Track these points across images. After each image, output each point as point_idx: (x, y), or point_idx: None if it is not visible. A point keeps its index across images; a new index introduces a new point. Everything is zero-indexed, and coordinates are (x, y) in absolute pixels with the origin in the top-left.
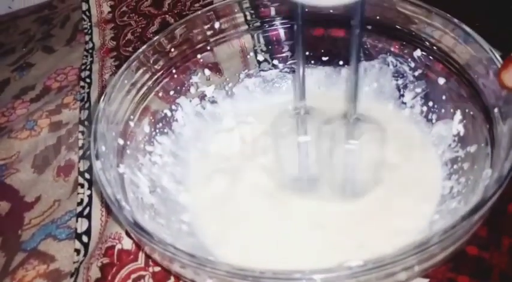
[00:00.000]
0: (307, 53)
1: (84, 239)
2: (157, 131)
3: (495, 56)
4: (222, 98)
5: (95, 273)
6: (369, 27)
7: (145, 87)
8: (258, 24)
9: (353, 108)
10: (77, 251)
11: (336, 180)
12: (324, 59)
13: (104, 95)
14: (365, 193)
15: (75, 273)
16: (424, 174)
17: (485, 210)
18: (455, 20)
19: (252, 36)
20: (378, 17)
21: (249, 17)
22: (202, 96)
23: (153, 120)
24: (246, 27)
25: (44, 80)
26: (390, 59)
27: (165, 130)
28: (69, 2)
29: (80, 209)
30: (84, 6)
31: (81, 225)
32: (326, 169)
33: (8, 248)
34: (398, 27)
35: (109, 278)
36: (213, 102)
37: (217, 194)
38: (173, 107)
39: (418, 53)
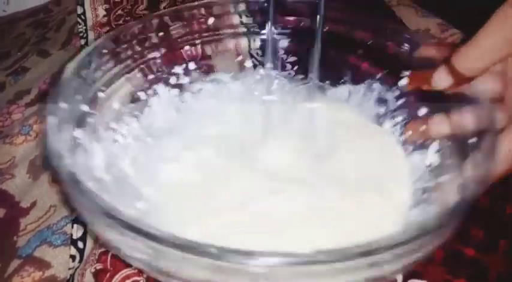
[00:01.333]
0: None
1: (80, 245)
2: (126, 110)
3: (479, 92)
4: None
5: (89, 279)
6: (360, 51)
7: (124, 63)
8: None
9: (315, 72)
10: (73, 257)
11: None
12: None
13: (80, 54)
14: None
15: (70, 279)
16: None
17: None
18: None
19: (249, 40)
20: (369, 42)
21: (244, 20)
22: (182, 88)
23: (125, 98)
24: (244, 29)
25: (40, 85)
26: (376, 85)
27: (136, 113)
28: (64, 5)
29: (75, 214)
30: (79, 10)
31: (77, 231)
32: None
33: (3, 255)
34: (389, 53)
35: None
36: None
37: (181, 185)
38: (149, 91)
39: (403, 81)
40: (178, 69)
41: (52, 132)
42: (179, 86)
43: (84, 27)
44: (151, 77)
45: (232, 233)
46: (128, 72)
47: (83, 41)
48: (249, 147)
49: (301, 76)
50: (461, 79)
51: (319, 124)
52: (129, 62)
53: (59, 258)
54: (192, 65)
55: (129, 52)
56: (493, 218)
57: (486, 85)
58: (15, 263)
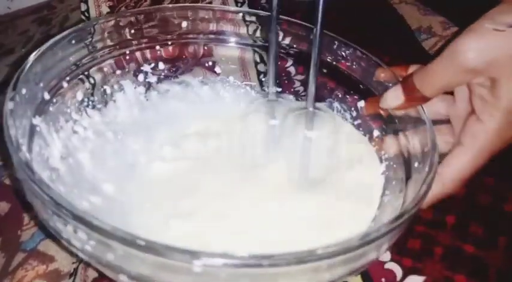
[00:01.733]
0: None
1: None
2: (90, 103)
3: (425, 115)
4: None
5: (92, 273)
6: (325, 70)
7: (93, 54)
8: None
9: (311, 100)
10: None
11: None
12: None
13: (46, 43)
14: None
15: (73, 273)
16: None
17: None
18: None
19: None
20: (334, 62)
21: (251, 32)
22: (149, 87)
23: (89, 90)
24: (250, 41)
25: None
26: (336, 104)
27: (99, 106)
28: (68, 2)
29: None
30: (83, 7)
31: None
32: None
33: (7, 248)
34: (352, 75)
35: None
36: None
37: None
38: (115, 86)
39: (362, 103)
40: (147, 67)
41: (9, 118)
42: (146, 84)
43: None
44: (119, 72)
45: (190, 236)
46: (96, 65)
47: None
48: (214, 151)
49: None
50: (416, 99)
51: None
52: (97, 54)
53: (63, 252)
54: (161, 65)
55: (99, 45)
56: (492, 215)
57: (434, 107)
58: (19, 257)
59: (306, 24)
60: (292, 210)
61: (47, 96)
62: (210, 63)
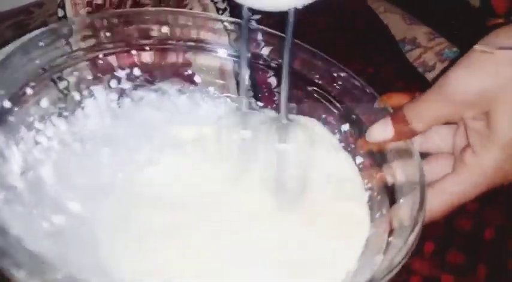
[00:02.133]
0: None
1: None
2: (56, 110)
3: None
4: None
5: None
6: (310, 88)
7: (63, 57)
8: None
9: (284, 112)
10: None
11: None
12: None
13: (9, 45)
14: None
15: None
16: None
17: None
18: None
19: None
20: (320, 82)
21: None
22: (122, 94)
23: (55, 97)
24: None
25: None
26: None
27: (65, 113)
28: (46, 8)
29: None
30: (60, 13)
31: None
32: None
33: None
34: (336, 98)
35: None
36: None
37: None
38: (85, 92)
39: (346, 127)
40: (121, 73)
41: None
42: (119, 91)
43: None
44: (90, 77)
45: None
46: (65, 69)
47: None
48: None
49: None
50: (406, 132)
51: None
52: (68, 57)
53: None
54: (137, 71)
55: (68, 48)
56: (472, 242)
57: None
58: None
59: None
60: (259, 245)
61: (7, 104)
62: (189, 72)
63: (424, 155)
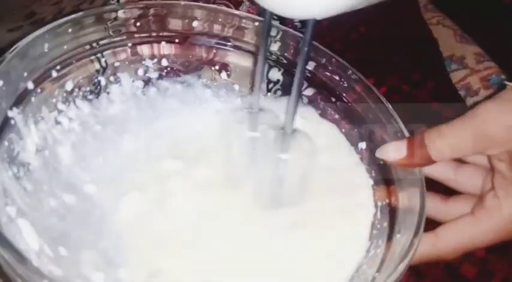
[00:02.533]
0: None
1: None
2: (80, 93)
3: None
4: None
5: None
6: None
7: (90, 45)
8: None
9: (290, 122)
10: None
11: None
12: None
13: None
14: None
15: None
16: None
17: None
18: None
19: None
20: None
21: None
22: (148, 82)
23: (81, 80)
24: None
25: None
26: None
27: (90, 96)
28: None
29: None
30: None
31: None
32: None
33: None
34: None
35: None
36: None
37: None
38: (111, 78)
39: (363, 145)
40: (149, 62)
41: None
42: (146, 79)
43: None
44: (117, 63)
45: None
46: (92, 55)
47: None
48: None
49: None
50: (419, 157)
51: None
52: (95, 44)
53: None
54: (165, 62)
55: (98, 35)
56: (448, 276)
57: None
58: None
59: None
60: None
61: (30, 85)
62: (217, 67)
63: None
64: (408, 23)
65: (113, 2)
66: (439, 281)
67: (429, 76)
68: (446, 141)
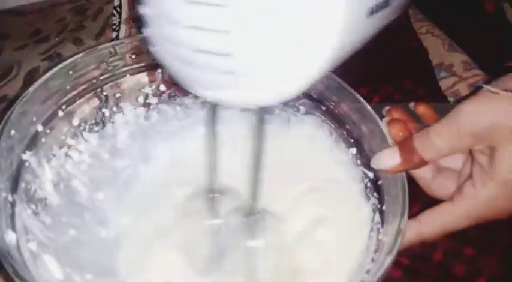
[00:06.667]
0: None
1: None
2: (87, 127)
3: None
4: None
5: None
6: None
7: (91, 82)
8: None
9: (254, 206)
10: None
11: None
12: None
13: (41, 73)
14: None
15: None
16: None
17: None
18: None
19: None
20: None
21: None
22: (148, 106)
23: (87, 115)
24: None
25: None
26: None
27: (96, 128)
28: None
29: None
30: (116, 1)
31: None
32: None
33: None
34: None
35: None
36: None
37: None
38: (114, 108)
39: (353, 151)
40: (148, 89)
41: None
42: (146, 105)
43: (118, 20)
44: (118, 94)
45: None
46: (95, 90)
47: (114, 34)
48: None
49: None
50: (413, 162)
51: None
52: (94, 81)
53: None
54: (162, 87)
55: (98, 71)
56: (419, 263)
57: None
58: None
59: None
60: None
61: (40, 128)
62: None
63: None
64: (400, 33)
65: (114, 19)
66: (432, 279)
67: (420, 84)
68: (435, 143)
